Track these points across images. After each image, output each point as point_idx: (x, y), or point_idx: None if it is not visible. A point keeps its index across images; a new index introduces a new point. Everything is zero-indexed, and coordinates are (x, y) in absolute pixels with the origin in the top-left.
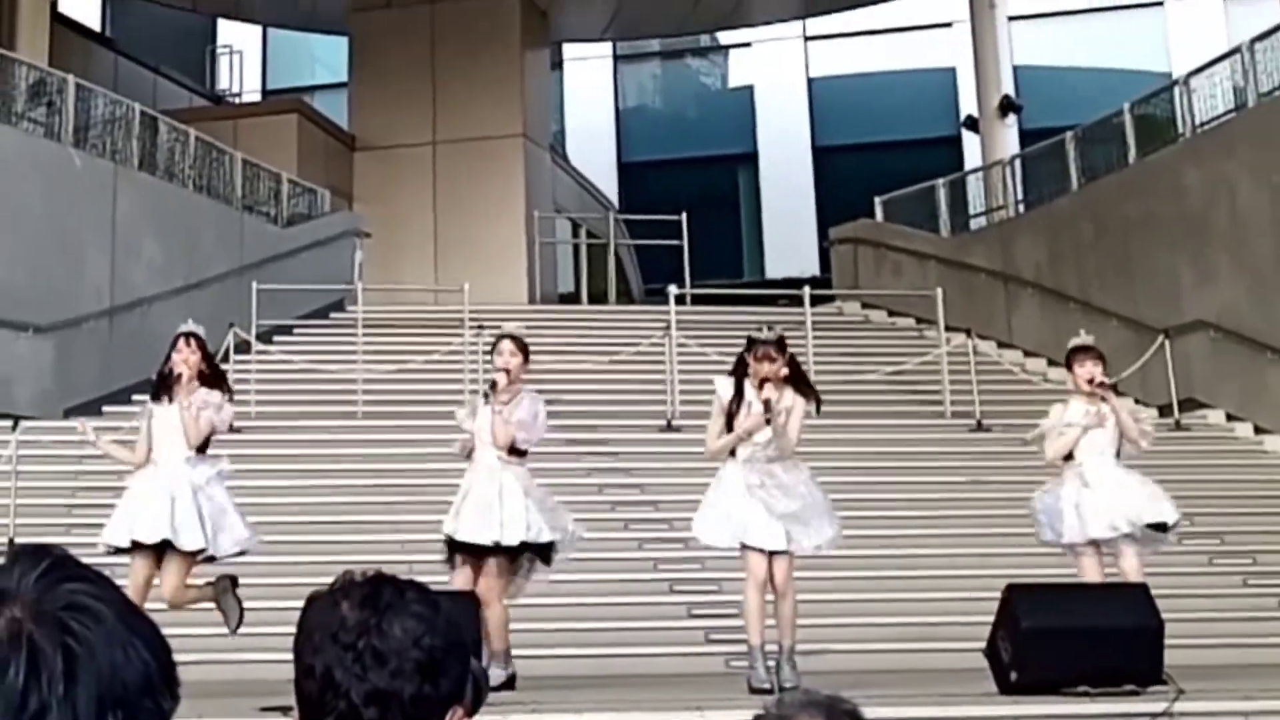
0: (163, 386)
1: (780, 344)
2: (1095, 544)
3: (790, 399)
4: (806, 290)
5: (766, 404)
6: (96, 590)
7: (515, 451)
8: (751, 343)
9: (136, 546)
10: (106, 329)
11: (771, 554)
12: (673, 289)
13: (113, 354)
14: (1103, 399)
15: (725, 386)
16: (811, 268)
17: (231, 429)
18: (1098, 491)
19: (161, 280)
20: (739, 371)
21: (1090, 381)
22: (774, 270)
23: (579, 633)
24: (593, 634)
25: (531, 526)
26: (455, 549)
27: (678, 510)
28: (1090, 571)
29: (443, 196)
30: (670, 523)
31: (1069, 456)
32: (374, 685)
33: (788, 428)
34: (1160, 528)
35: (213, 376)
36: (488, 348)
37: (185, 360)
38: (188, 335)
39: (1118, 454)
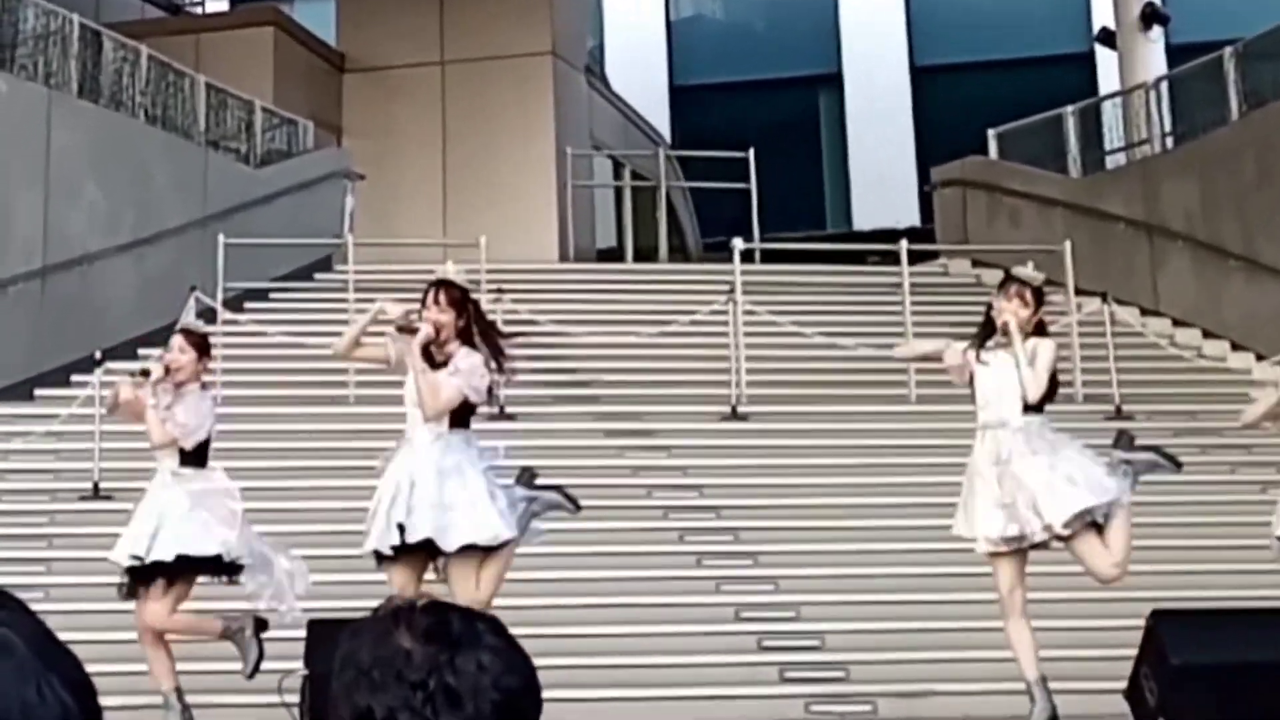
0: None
1: (1039, 293)
2: None
3: (1034, 343)
4: (904, 244)
5: (1004, 327)
6: (6, 616)
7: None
8: (1007, 279)
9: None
10: (38, 293)
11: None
12: (738, 243)
13: (45, 324)
14: None
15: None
16: (910, 216)
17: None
18: None
19: (106, 233)
20: (986, 323)
21: None
22: (863, 220)
23: (633, 669)
24: (649, 671)
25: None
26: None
27: (743, 517)
28: None
29: (453, 129)
30: (735, 533)
31: None
32: None
33: (1036, 368)
34: None
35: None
36: (512, 316)
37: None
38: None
39: None
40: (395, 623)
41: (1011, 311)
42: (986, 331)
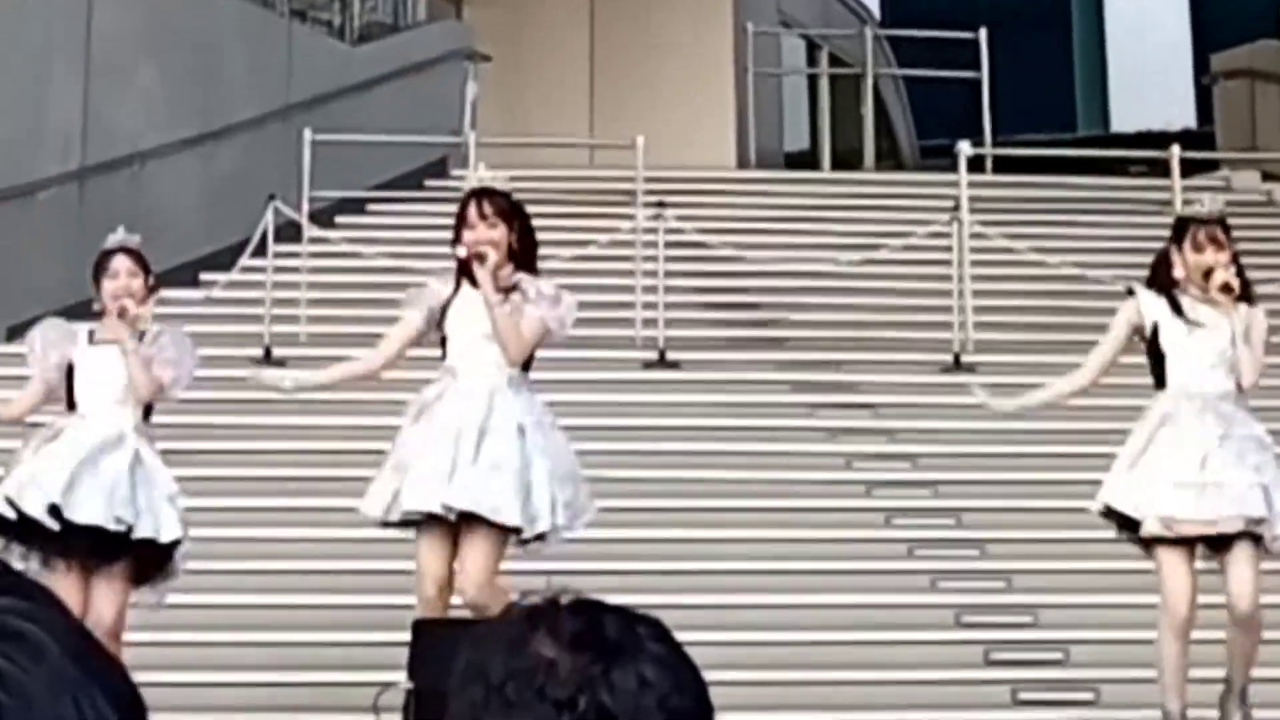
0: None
1: (1225, 224)
2: None
3: (1245, 313)
4: (1175, 151)
5: (1225, 287)
6: (35, 611)
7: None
8: (1183, 224)
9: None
10: (75, 201)
11: (1220, 548)
12: (964, 148)
13: (85, 240)
14: None
15: (1148, 299)
16: (1184, 116)
17: (271, 358)
18: None
19: (162, 126)
20: (1162, 278)
21: None
22: (1123, 120)
23: (834, 687)
24: (852, 689)
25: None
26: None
27: (967, 496)
28: None
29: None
30: (958, 516)
31: None
32: None
33: (1253, 346)
34: None
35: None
36: (676, 238)
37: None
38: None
39: None
40: (533, 625)
41: (1222, 265)
42: (1163, 283)
